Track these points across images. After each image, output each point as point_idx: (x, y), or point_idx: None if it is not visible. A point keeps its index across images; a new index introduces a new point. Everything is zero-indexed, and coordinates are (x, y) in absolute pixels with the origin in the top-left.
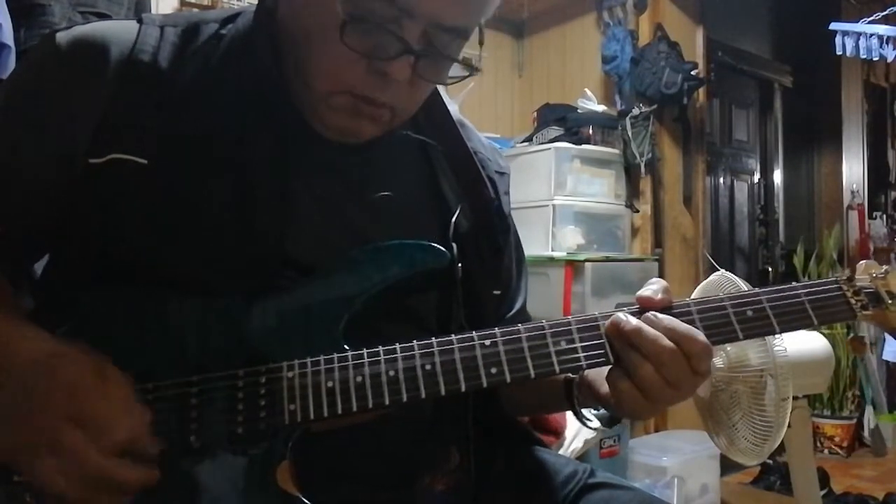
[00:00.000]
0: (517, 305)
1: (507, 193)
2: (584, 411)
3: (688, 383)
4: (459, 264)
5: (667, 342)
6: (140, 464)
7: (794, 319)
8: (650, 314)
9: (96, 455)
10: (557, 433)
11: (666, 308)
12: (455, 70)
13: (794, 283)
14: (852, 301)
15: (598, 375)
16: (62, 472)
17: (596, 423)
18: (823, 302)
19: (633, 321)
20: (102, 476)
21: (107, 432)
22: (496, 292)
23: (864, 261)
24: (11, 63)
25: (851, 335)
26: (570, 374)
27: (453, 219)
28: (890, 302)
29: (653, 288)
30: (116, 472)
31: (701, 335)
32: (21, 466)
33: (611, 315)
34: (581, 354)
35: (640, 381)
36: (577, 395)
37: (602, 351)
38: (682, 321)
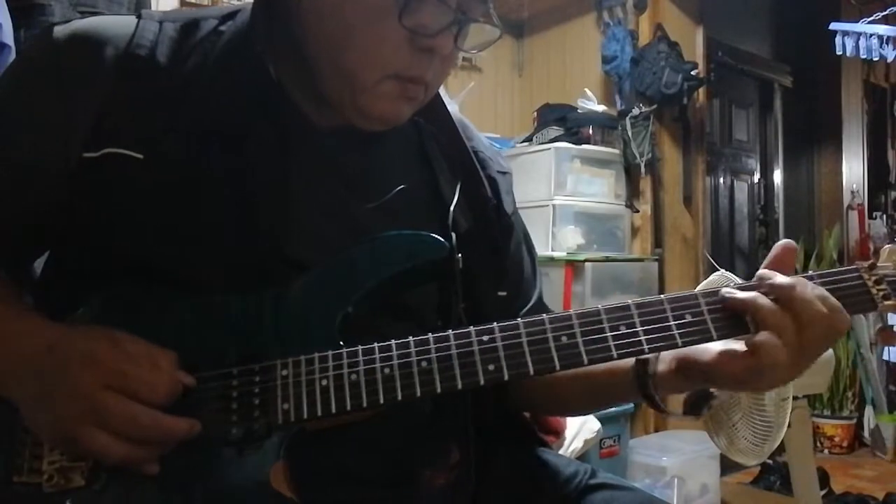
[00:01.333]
0: (533, 299)
1: (510, 193)
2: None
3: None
4: (459, 255)
5: (821, 306)
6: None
7: None
8: (808, 274)
9: (143, 410)
10: (557, 433)
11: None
12: (487, 32)
13: (810, 272)
14: (873, 291)
15: (692, 353)
16: (117, 438)
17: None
18: (843, 292)
19: (790, 279)
20: (156, 427)
21: (143, 386)
22: (501, 293)
23: (888, 245)
24: None
25: (880, 325)
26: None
27: (451, 209)
28: None
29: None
30: (165, 421)
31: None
32: (75, 448)
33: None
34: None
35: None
36: (652, 378)
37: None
38: (682, 311)
